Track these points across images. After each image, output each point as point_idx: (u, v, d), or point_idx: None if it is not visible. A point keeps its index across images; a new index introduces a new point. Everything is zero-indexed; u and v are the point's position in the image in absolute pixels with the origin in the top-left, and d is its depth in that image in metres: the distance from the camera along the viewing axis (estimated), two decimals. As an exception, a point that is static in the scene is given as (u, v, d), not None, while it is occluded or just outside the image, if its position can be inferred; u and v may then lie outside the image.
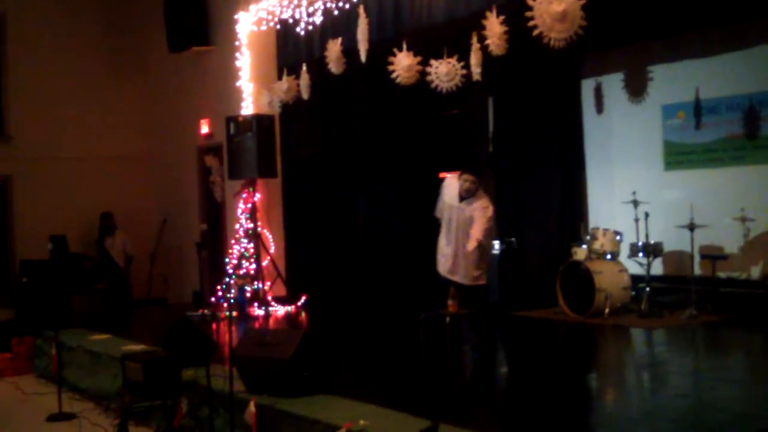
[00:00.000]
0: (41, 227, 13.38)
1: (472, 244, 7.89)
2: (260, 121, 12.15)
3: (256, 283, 12.00)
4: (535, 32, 8.08)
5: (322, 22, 11.28)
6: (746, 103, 10.42)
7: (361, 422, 5.63)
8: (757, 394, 6.65)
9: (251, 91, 12.75)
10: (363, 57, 10.22)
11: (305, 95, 11.49)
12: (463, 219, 8.08)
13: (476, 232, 7.90)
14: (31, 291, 11.94)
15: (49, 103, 14.59)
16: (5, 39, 14.55)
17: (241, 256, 12.13)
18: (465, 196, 8.09)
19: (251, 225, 12.22)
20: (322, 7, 11.18)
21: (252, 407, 6.47)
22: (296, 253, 12.91)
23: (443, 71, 9.29)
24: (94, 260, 14.12)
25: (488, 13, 8.57)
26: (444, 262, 8.26)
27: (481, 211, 7.99)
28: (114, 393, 8.26)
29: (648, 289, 10.13)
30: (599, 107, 12.12)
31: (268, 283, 12.19)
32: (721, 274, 10.33)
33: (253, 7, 12.59)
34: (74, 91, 14.91)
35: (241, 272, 11.97)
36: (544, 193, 12.09)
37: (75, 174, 14.73)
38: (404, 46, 9.68)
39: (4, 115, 14.54)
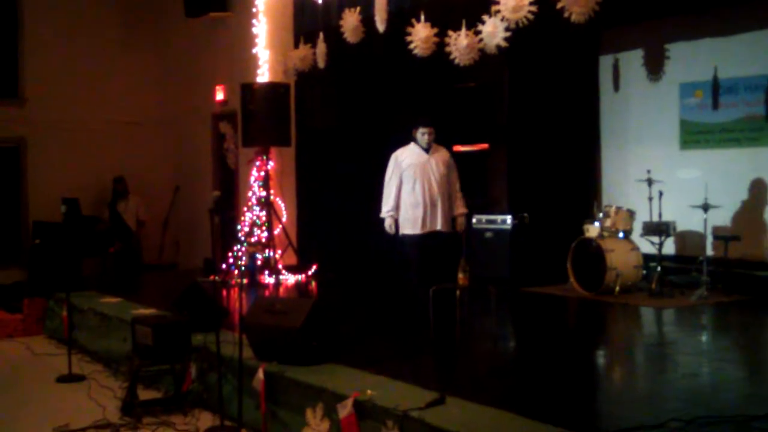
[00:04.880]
0: (55, 189, 13.40)
1: (465, 209, 8.61)
2: (275, 88, 12.11)
3: (267, 251, 12.01)
4: (560, 5, 8.03)
5: (341, -9, 11.21)
6: (765, 83, 10.32)
7: (369, 392, 5.64)
8: (765, 375, 6.64)
9: (267, 59, 12.70)
10: (380, 27, 10.16)
11: (321, 64, 11.45)
12: (431, 168, 8.44)
13: (457, 188, 8.55)
14: (43, 253, 12.00)
15: (64, 67, 14.59)
16: (21, 2, 14.53)
17: (253, 224, 12.13)
18: (428, 148, 8.49)
19: (264, 193, 12.22)
20: (341, -25, 11.11)
21: (260, 374, 6.50)
22: (308, 223, 12.92)
23: (463, 44, 9.20)
24: (106, 224, 14.18)
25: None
26: (416, 222, 8.43)
27: (451, 160, 8.62)
28: (123, 356, 8.31)
29: (659, 268, 10.10)
30: (616, 84, 12.03)
31: (279, 252, 12.21)
32: (734, 255, 10.29)
33: (271, -26, 12.54)
34: (90, 55, 14.90)
35: (253, 240, 11.98)
36: (557, 169, 12.04)
37: (89, 137, 14.75)
38: (422, 17, 9.61)
39: (19, 78, 14.55)
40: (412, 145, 8.50)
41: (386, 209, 8.54)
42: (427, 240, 8.38)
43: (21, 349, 10.25)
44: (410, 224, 8.42)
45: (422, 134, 8.41)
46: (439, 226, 8.39)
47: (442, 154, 8.53)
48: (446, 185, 8.46)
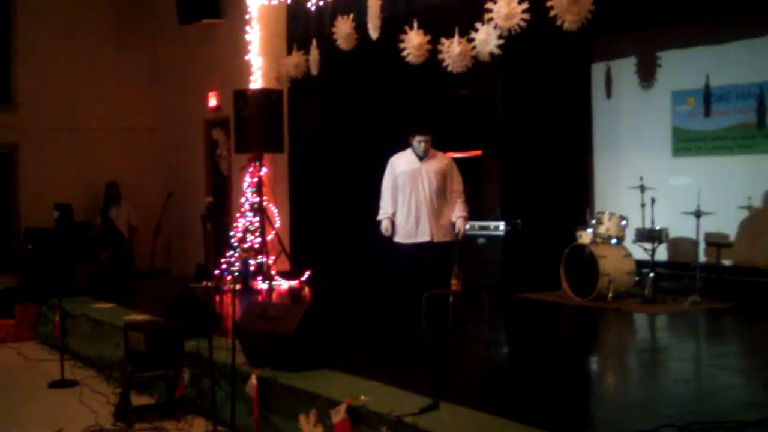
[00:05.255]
0: (47, 195, 13.38)
1: (463, 213, 8.27)
2: (268, 95, 12.14)
3: (260, 257, 12.02)
4: (552, 13, 8.06)
5: (334, -2, 11.22)
6: (757, 91, 10.37)
7: (362, 398, 5.64)
8: (758, 382, 6.65)
9: (260, 66, 12.72)
10: (373, 34, 10.19)
11: (314, 71, 11.47)
12: (422, 177, 8.23)
13: (458, 192, 8.30)
14: (35, 258, 11.97)
15: (57, 72, 14.58)
16: (15, 7, 14.52)
17: (246, 230, 12.14)
18: (423, 156, 8.28)
19: (257, 199, 12.23)
20: (334, -18, 11.12)
21: (253, 380, 6.50)
22: (301, 229, 12.92)
23: (456, 52, 9.22)
24: (98, 230, 14.16)
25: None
26: (405, 231, 8.29)
27: (448, 166, 8.37)
28: (116, 362, 8.29)
29: (652, 274, 10.12)
30: (609, 92, 12.07)
31: (272, 258, 12.22)
32: (726, 262, 10.33)
33: (264, -19, 12.55)
34: (83, 61, 14.90)
35: (246, 246, 11.98)
36: (550, 175, 12.06)
37: (81, 143, 14.74)
38: (415, 24, 9.63)
39: (12, 83, 14.53)
40: (408, 152, 8.37)
41: (382, 212, 8.46)
42: (416, 250, 8.27)
43: (13, 354, 10.23)
44: (401, 233, 8.34)
45: (418, 142, 8.26)
46: (428, 237, 8.20)
47: (437, 161, 8.32)
48: (439, 194, 8.25)
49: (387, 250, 8.66)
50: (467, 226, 8.61)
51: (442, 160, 8.41)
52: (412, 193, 8.26)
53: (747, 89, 10.47)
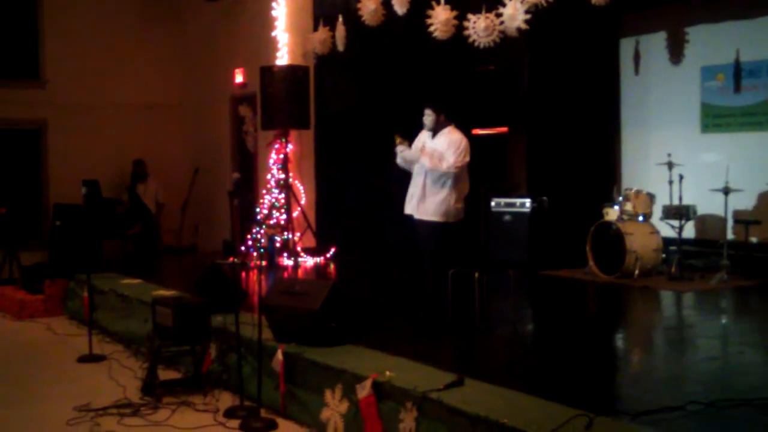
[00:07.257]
0: (75, 172, 13.47)
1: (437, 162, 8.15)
2: (295, 71, 12.12)
3: (286, 233, 12.05)
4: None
5: (361, -27, 11.17)
6: (788, 67, 10.27)
7: (388, 373, 5.66)
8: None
9: (286, 42, 12.70)
10: (399, 10, 10.15)
11: (340, 47, 11.45)
12: (430, 149, 8.24)
13: (445, 166, 8.12)
14: (64, 234, 12.08)
15: (84, 49, 14.61)
16: (42, -16, 14.57)
17: (272, 207, 12.17)
18: (432, 130, 8.33)
19: (283, 176, 12.25)
20: (360, -43, 11.07)
21: (279, 355, 6.54)
22: (327, 205, 12.93)
23: (481, 26, 9.18)
24: (126, 206, 14.24)
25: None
26: (409, 201, 8.45)
27: (450, 141, 8.15)
28: (144, 337, 8.35)
29: (679, 252, 10.07)
30: (637, 67, 11.97)
31: (298, 234, 12.25)
32: (754, 240, 10.25)
33: (290, -44, 12.51)
34: (110, 38, 14.92)
35: (272, 222, 12.02)
36: (577, 152, 12.00)
37: (109, 120, 14.78)
38: (442, 0, 9.59)
39: (40, 60, 14.59)
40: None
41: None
42: (418, 227, 8.40)
43: (42, 329, 10.34)
44: (407, 204, 8.52)
45: (422, 115, 8.39)
46: (410, 211, 8.43)
47: (444, 139, 8.24)
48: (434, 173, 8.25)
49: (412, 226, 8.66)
50: (492, 203, 8.54)
51: (450, 137, 8.26)
52: (418, 170, 8.39)
53: (778, 65, 10.36)
